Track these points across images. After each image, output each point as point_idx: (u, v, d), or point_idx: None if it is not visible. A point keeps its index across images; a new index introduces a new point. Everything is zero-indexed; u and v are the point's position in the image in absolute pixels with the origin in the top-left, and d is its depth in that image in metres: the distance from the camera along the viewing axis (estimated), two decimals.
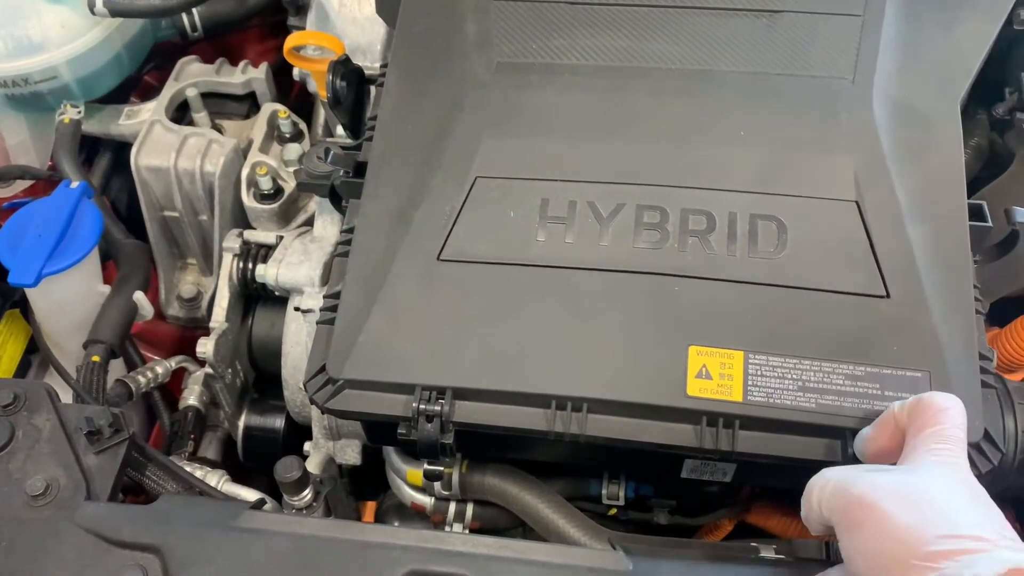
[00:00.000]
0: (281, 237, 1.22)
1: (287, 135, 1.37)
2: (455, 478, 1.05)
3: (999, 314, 1.17)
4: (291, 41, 1.21)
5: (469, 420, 0.89)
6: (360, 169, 1.05)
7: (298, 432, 1.27)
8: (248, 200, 1.28)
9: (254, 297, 1.26)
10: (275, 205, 1.27)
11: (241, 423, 1.30)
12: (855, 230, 0.93)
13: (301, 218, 1.31)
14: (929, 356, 0.88)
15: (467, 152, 0.99)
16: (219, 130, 1.41)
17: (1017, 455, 0.94)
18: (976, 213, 0.96)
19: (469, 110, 1.02)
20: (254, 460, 1.31)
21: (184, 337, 1.44)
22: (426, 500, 1.10)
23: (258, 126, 1.37)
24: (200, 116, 1.40)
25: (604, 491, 1.10)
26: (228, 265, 1.21)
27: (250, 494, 1.07)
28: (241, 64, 1.47)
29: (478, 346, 0.90)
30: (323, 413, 1.05)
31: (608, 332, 0.90)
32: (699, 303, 0.91)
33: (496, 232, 0.95)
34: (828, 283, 0.91)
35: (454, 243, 0.95)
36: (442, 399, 0.88)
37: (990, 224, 0.95)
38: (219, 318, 1.20)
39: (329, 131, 1.45)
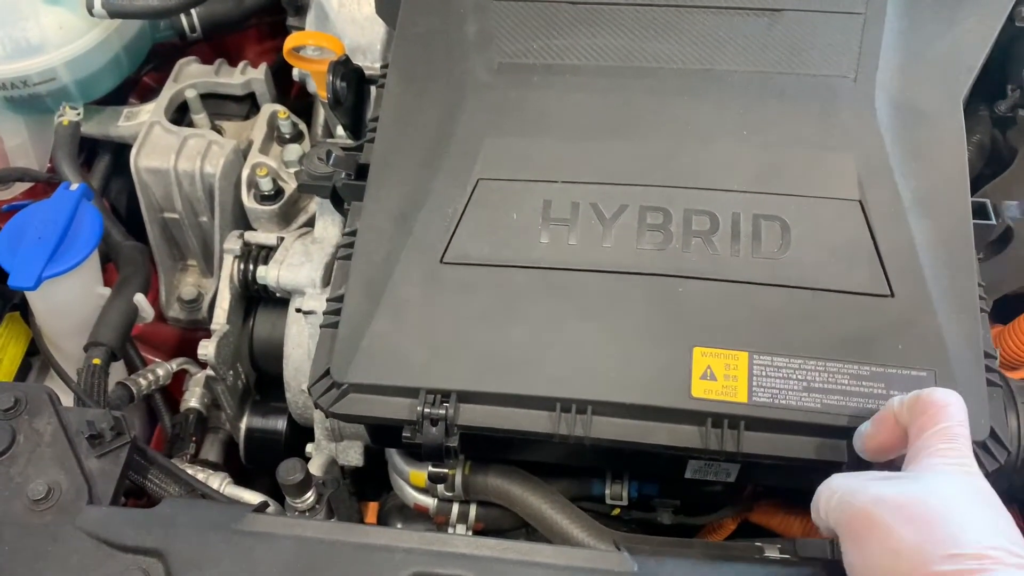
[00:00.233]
0: (282, 238, 1.22)
1: (287, 136, 1.37)
2: (458, 479, 1.04)
3: (1001, 311, 1.17)
4: (290, 41, 1.20)
5: (474, 423, 0.89)
6: (362, 171, 1.04)
7: (300, 434, 1.27)
8: (248, 201, 1.27)
9: (255, 299, 1.26)
10: (275, 206, 1.26)
11: (243, 425, 1.29)
12: (859, 229, 0.93)
13: (302, 219, 1.30)
14: (934, 355, 0.87)
15: (469, 153, 0.99)
16: (219, 131, 1.40)
17: (1021, 454, 0.94)
18: (979, 211, 0.96)
19: (470, 111, 1.01)
20: (256, 462, 1.31)
21: (185, 339, 1.44)
22: (429, 501, 1.10)
23: (258, 127, 1.36)
24: (199, 117, 1.40)
25: (607, 491, 1.10)
26: (229, 267, 1.21)
27: (253, 497, 1.07)
28: (240, 65, 1.46)
29: (482, 349, 0.90)
30: (328, 417, 1.04)
31: (612, 334, 0.90)
32: (703, 304, 0.90)
33: (499, 234, 0.95)
34: (832, 283, 0.91)
35: (457, 245, 0.94)
36: (446, 402, 0.88)
37: (994, 222, 0.95)
38: (220, 320, 1.20)
39: (329, 132, 1.45)
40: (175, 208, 1.34)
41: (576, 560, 0.81)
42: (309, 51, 1.25)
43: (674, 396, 0.87)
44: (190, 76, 1.44)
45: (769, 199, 0.95)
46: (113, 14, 1.28)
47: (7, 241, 1.12)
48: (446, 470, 1.02)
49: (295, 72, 1.42)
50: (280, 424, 1.29)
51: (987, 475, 0.85)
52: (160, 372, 1.22)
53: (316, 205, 1.24)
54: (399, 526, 1.20)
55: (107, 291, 1.19)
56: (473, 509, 1.09)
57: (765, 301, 0.90)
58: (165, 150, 1.31)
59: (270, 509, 1.03)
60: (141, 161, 1.31)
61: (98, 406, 1.06)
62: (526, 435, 0.89)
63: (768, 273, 0.91)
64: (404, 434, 0.89)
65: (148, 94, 1.52)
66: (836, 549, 0.97)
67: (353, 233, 0.99)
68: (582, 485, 1.11)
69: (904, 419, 0.77)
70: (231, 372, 1.22)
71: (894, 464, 0.79)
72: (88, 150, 1.47)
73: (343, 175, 1.05)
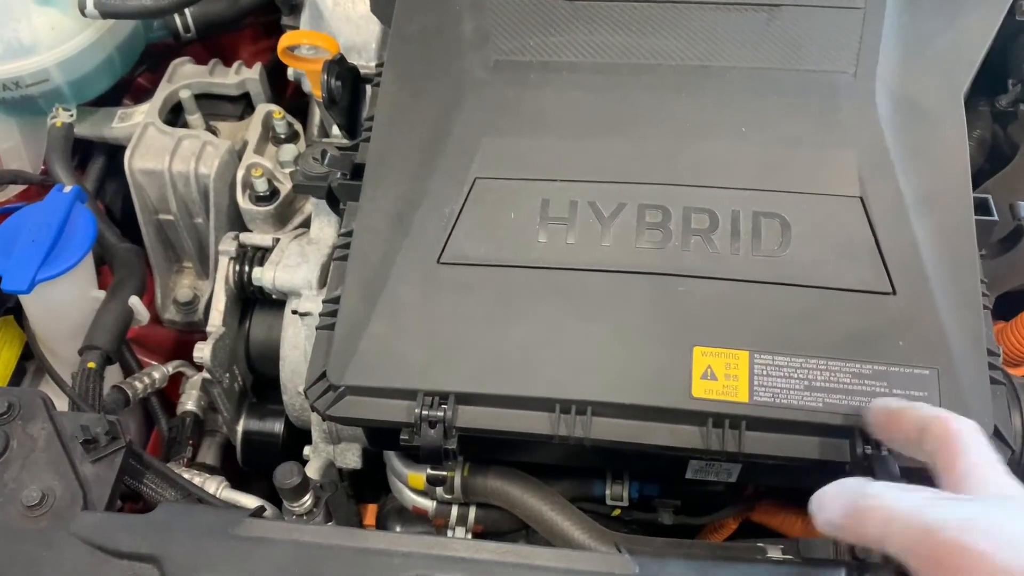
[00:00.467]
0: (277, 239, 1.20)
1: (282, 136, 1.36)
2: (457, 481, 1.04)
3: (1003, 308, 1.16)
4: (284, 41, 1.19)
5: (472, 425, 0.88)
6: (357, 171, 1.03)
7: (297, 436, 1.26)
8: (243, 202, 1.26)
9: (251, 300, 1.25)
10: (271, 207, 1.25)
11: (240, 428, 1.28)
12: (859, 226, 0.92)
13: (297, 220, 1.30)
14: (937, 353, 0.87)
15: (466, 152, 0.98)
16: (213, 132, 1.39)
17: None
18: (981, 207, 0.95)
19: (467, 110, 1.00)
20: (253, 465, 1.30)
21: (181, 341, 1.43)
22: (428, 504, 1.09)
23: (253, 127, 1.35)
24: (194, 118, 1.39)
25: (608, 492, 1.09)
26: (224, 268, 1.20)
27: (250, 500, 1.06)
28: (235, 65, 1.45)
29: (480, 350, 0.89)
30: (324, 420, 1.03)
31: (611, 334, 0.89)
32: (703, 303, 0.90)
33: (497, 234, 0.94)
34: (833, 280, 0.90)
35: (454, 245, 0.93)
36: (445, 404, 0.87)
37: (996, 218, 0.94)
38: (216, 322, 1.19)
39: (325, 131, 1.44)
40: (170, 210, 1.33)
41: (577, 563, 0.80)
42: (304, 50, 1.24)
43: (674, 396, 0.86)
44: (184, 76, 1.43)
45: (769, 196, 0.94)
46: (106, 14, 1.27)
47: (0, 244, 1.10)
48: (445, 472, 1.01)
49: (290, 72, 1.41)
50: (277, 427, 1.28)
51: None
52: (156, 375, 1.21)
53: (312, 206, 1.22)
54: (398, 529, 1.19)
55: (102, 294, 1.18)
56: (472, 511, 1.08)
57: (766, 299, 0.90)
58: (159, 151, 1.30)
59: (267, 513, 1.02)
60: (135, 163, 1.30)
61: (93, 410, 1.05)
62: (525, 437, 0.88)
63: (768, 271, 0.90)
64: (402, 436, 0.88)
65: (142, 95, 1.51)
66: (839, 550, 0.97)
67: (349, 234, 0.98)
68: (582, 486, 1.10)
69: (929, 444, 0.75)
70: (227, 375, 1.21)
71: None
72: (82, 152, 1.46)
73: (338, 175, 1.04)
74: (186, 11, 1.41)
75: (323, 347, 0.92)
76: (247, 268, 1.20)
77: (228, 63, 1.48)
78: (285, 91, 1.56)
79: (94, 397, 1.07)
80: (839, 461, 0.85)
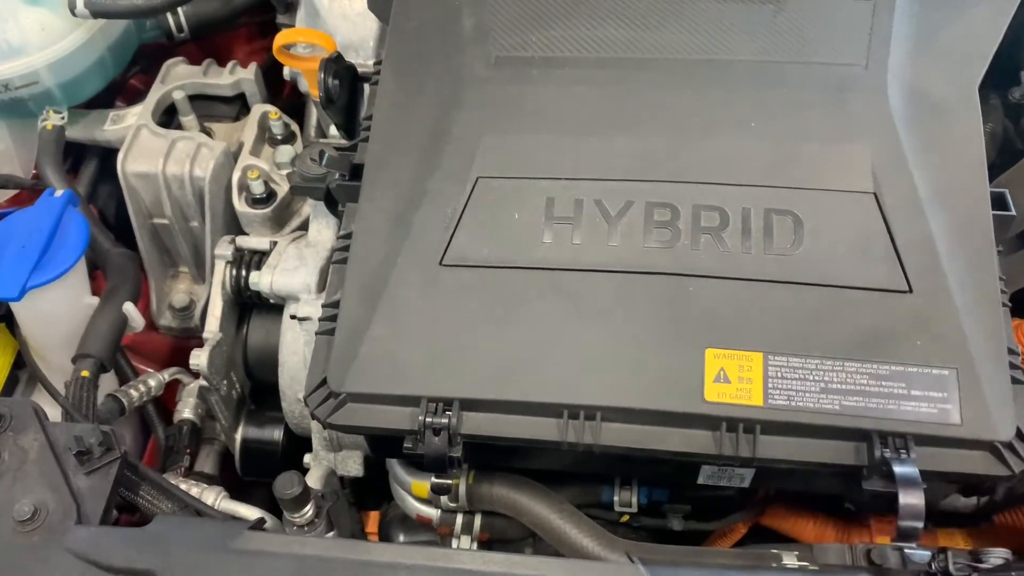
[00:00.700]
0: (275, 243, 1.18)
1: (279, 137, 1.33)
2: (462, 489, 1.01)
3: (1019, 305, 1.13)
4: (280, 39, 1.17)
5: (478, 432, 0.85)
6: (356, 171, 1.01)
7: (298, 444, 1.23)
8: (240, 205, 1.24)
9: (248, 305, 1.23)
10: (268, 209, 1.23)
11: (238, 436, 1.26)
12: (874, 223, 0.89)
13: (295, 222, 1.27)
14: (956, 352, 0.84)
15: (467, 151, 0.95)
16: (208, 133, 1.37)
17: None
18: (998, 202, 0.93)
19: (468, 107, 0.98)
20: (253, 474, 1.27)
21: (178, 348, 1.40)
22: (432, 512, 1.07)
23: (248, 128, 1.33)
24: (188, 119, 1.36)
25: (616, 498, 1.07)
26: (220, 273, 1.18)
27: (249, 511, 1.03)
28: (229, 65, 1.43)
29: (485, 354, 0.86)
30: (325, 429, 1.01)
31: (621, 336, 0.86)
32: (714, 304, 0.87)
33: (500, 234, 0.91)
34: (847, 279, 0.88)
35: (457, 247, 0.91)
36: (449, 411, 0.84)
37: (1014, 213, 0.92)
38: (212, 328, 1.16)
39: (322, 132, 1.41)
40: (164, 213, 1.31)
41: (588, 574, 0.78)
42: (300, 49, 1.22)
43: (686, 400, 0.84)
44: (177, 77, 1.40)
45: (780, 193, 0.91)
46: (96, 14, 1.24)
47: None
48: (449, 481, 0.99)
49: (286, 71, 1.38)
50: (276, 434, 1.25)
51: (1013, 476, 0.82)
52: (152, 383, 1.18)
53: (310, 208, 1.20)
54: (402, 538, 1.17)
55: (95, 300, 1.15)
56: (478, 519, 1.06)
57: (778, 299, 0.87)
58: (153, 154, 1.28)
59: (267, 525, 1.00)
60: (128, 166, 1.27)
61: (87, 420, 1.02)
62: (532, 443, 0.86)
63: (781, 270, 0.88)
64: (405, 444, 0.86)
65: (135, 96, 1.49)
66: (855, 556, 0.94)
67: (348, 236, 0.96)
68: (590, 492, 1.07)
69: None
70: (225, 382, 1.18)
71: None
72: (75, 155, 1.44)
73: (337, 176, 1.01)
74: (179, 10, 1.39)
75: (323, 353, 0.90)
76: (244, 272, 1.18)
77: (223, 63, 1.45)
78: (282, 91, 1.54)
79: (88, 407, 1.05)
80: (857, 465, 0.83)
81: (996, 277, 0.89)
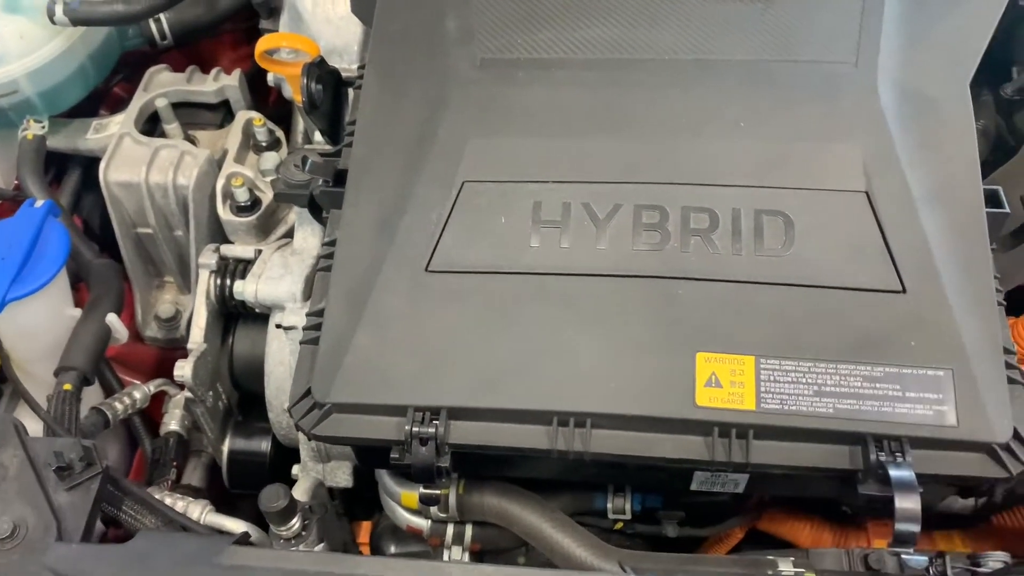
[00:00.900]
0: (260, 251, 1.16)
1: (263, 144, 1.31)
2: (452, 499, 0.99)
3: (1014, 302, 1.12)
4: (262, 44, 1.15)
5: (466, 441, 0.84)
6: (340, 177, 0.99)
7: (286, 455, 1.21)
8: (224, 213, 1.22)
9: (234, 315, 1.21)
10: (252, 217, 1.21)
11: (225, 448, 1.24)
12: (866, 222, 0.88)
13: (281, 230, 1.25)
14: (951, 352, 0.83)
15: (453, 155, 0.94)
16: (192, 141, 1.35)
17: None
18: (992, 199, 0.91)
19: (453, 110, 0.96)
20: (240, 485, 1.25)
21: (164, 358, 1.38)
22: (422, 523, 1.05)
23: (232, 135, 1.31)
24: (171, 127, 1.34)
25: (610, 505, 1.05)
26: (205, 282, 1.16)
27: (235, 525, 1.01)
28: (213, 71, 1.41)
29: (472, 361, 0.85)
30: (310, 440, 0.99)
31: (610, 341, 0.85)
32: (705, 306, 0.86)
33: (487, 239, 0.90)
34: (840, 280, 0.86)
35: (443, 252, 0.89)
36: (436, 420, 0.83)
37: (1008, 211, 0.90)
38: (197, 339, 1.14)
39: (308, 138, 1.40)
40: (148, 223, 1.29)
41: None
42: (283, 54, 1.20)
43: (678, 406, 0.82)
44: (160, 85, 1.38)
45: (770, 193, 0.90)
46: (76, 21, 1.22)
47: None
48: (438, 492, 0.97)
49: (270, 77, 1.37)
50: (264, 445, 1.24)
51: (1011, 478, 0.81)
52: (137, 395, 1.16)
53: (295, 215, 1.18)
54: (393, 549, 1.15)
55: (78, 312, 1.13)
56: (469, 530, 1.04)
57: (770, 301, 0.86)
58: (135, 162, 1.26)
59: (254, 538, 0.98)
60: (111, 175, 1.26)
61: (69, 434, 1.00)
62: (522, 452, 0.84)
63: (772, 271, 0.87)
64: (392, 455, 0.84)
65: (119, 104, 1.47)
66: (852, 561, 0.93)
67: (332, 243, 0.94)
68: (583, 500, 1.06)
69: None
70: (211, 393, 1.17)
71: None
72: (58, 165, 1.42)
73: (320, 182, 0.99)
74: (162, 18, 1.37)
75: (307, 363, 0.88)
76: (228, 282, 1.16)
77: (208, 70, 1.43)
78: (268, 97, 1.52)
79: (70, 420, 1.03)
80: (852, 469, 0.81)
81: (991, 275, 0.87)
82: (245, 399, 1.27)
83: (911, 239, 0.87)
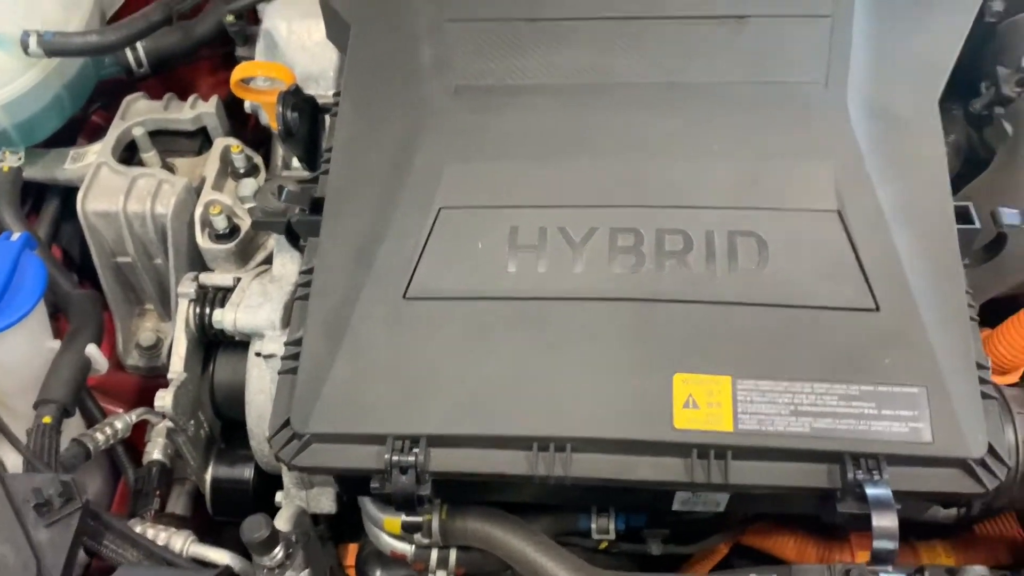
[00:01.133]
0: (239, 279, 1.16)
1: (242, 170, 1.31)
2: (435, 525, 0.99)
3: (988, 314, 1.13)
4: (237, 73, 1.15)
5: (446, 468, 0.84)
6: (317, 205, 0.99)
7: (269, 482, 1.21)
8: (203, 241, 1.22)
9: (215, 343, 1.20)
10: (231, 245, 1.21)
11: (208, 476, 1.23)
12: (839, 241, 0.89)
13: (261, 256, 1.25)
14: (925, 369, 0.84)
15: (429, 182, 0.94)
16: (171, 169, 1.35)
17: (1020, 467, 0.90)
18: (963, 216, 0.92)
19: (429, 137, 0.97)
20: (224, 513, 1.24)
21: (146, 387, 1.38)
22: (407, 548, 1.04)
23: (211, 163, 1.31)
24: (149, 156, 1.34)
25: (593, 525, 1.05)
26: (184, 311, 1.15)
27: (219, 555, 1.01)
28: (190, 99, 1.41)
29: (451, 388, 0.85)
30: (290, 471, 0.99)
31: (588, 365, 0.85)
32: (681, 328, 0.86)
33: (464, 265, 0.90)
34: (814, 299, 0.87)
35: (420, 279, 0.90)
36: (416, 448, 0.83)
37: (978, 226, 0.91)
38: (177, 368, 1.14)
39: (288, 164, 1.39)
40: (127, 252, 1.29)
41: None
42: (259, 82, 1.21)
43: (656, 428, 0.82)
44: (137, 113, 1.38)
45: (743, 214, 0.91)
46: (51, 52, 1.22)
47: None
48: (420, 519, 0.97)
49: (247, 104, 1.37)
50: (247, 473, 1.23)
51: (987, 494, 0.82)
52: (119, 425, 1.15)
53: (274, 241, 1.18)
54: (378, 573, 1.15)
55: (57, 344, 1.13)
56: (453, 554, 1.04)
57: (745, 321, 0.86)
58: (113, 192, 1.26)
59: (239, 568, 0.98)
60: (88, 205, 1.25)
61: (49, 468, 1.00)
62: (503, 478, 0.85)
63: (746, 292, 0.87)
64: (373, 484, 0.85)
65: (97, 133, 1.46)
66: (834, 574, 0.93)
67: (310, 271, 0.94)
68: (567, 521, 1.06)
69: None
70: (192, 422, 1.16)
71: None
72: (35, 195, 1.41)
73: (297, 210, 1.00)
74: (138, 46, 1.37)
75: (286, 393, 0.88)
76: (208, 310, 1.16)
77: (186, 97, 1.43)
78: (247, 123, 1.52)
79: (50, 454, 1.02)
80: (830, 488, 0.82)
81: (963, 291, 0.88)
82: (227, 427, 1.26)
83: (884, 257, 0.88)
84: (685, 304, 0.87)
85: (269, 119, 1.23)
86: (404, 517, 0.98)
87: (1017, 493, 0.93)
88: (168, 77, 1.53)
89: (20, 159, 1.30)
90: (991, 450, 0.82)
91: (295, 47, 1.29)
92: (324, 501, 1.13)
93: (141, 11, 1.32)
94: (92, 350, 1.12)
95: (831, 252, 0.88)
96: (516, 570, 1.01)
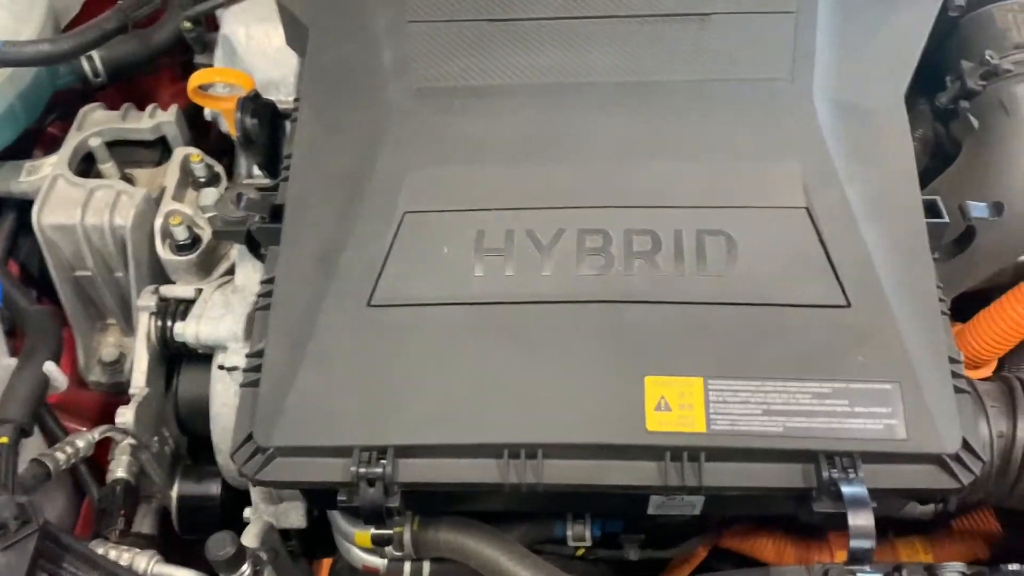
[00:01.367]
0: (200, 290, 1.13)
1: (202, 179, 1.28)
2: (407, 537, 0.97)
3: (959, 309, 1.13)
4: (194, 80, 1.13)
5: (415, 479, 0.82)
6: (277, 213, 0.97)
7: (238, 497, 1.18)
8: (164, 252, 1.19)
9: (178, 357, 1.17)
10: (193, 256, 1.18)
11: (174, 493, 1.20)
12: (808, 238, 0.88)
13: (223, 267, 1.22)
14: (897, 365, 0.83)
15: (392, 186, 0.92)
16: (130, 180, 1.32)
17: (994, 461, 0.90)
18: (931, 210, 0.92)
19: (391, 141, 0.95)
20: (192, 531, 1.21)
21: (110, 404, 1.33)
22: (379, 562, 1.02)
23: (170, 172, 1.28)
24: (107, 167, 1.31)
25: (569, 532, 1.04)
26: (145, 325, 1.13)
27: (184, 575, 0.98)
28: (149, 108, 1.38)
29: (419, 397, 0.83)
30: (254, 486, 0.97)
31: (558, 369, 0.84)
32: (651, 329, 0.85)
33: (430, 270, 0.88)
34: (784, 297, 0.86)
35: (385, 286, 0.88)
36: (384, 459, 0.81)
37: (947, 220, 0.91)
38: (139, 383, 1.11)
39: (250, 172, 1.37)
40: (86, 265, 1.25)
41: None
42: (218, 88, 1.18)
43: (628, 432, 0.81)
44: (95, 123, 1.35)
45: (711, 213, 0.90)
46: (2, 62, 1.19)
47: None
48: (390, 532, 0.95)
49: (207, 112, 1.34)
50: (214, 489, 1.20)
51: (963, 489, 0.81)
52: (80, 443, 1.12)
53: (236, 251, 1.16)
54: None
55: (13, 362, 1.10)
56: (427, 566, 1.02)
57: (715, 321, 0.85)
58: (70, 205, 1.22)
59: None
60: (44, 218, 1.22)
61: (7, 489, 0.97)
62: (474, 487, 0.83)
63: (716, 291, 0.86)
64: (340, 498, 0.82)
65: (54, 145, 1.42)
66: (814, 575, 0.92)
67: (271, 281, 0.92)
68: (541, 529, 1.04)
69: None
70: (156, 438, 1.13)
71: None
72: None
73: (257, 218, 0.97)
74: (94, 55, 1.34)
75: (248, 406, 0.86)
76: (169, 323, 1.13)
77: (145, 106, 1.40)
78: (208, 132, 1.49)
79: (7, 475, 0.99)
80: (805, 488, 0.81)
81: (934, 285, 0.88)
82: (193, 442, 1.23)
83: (853, 253, 0.87)
84: (655, 305, 0.86)
85: (229, 126, 1.21)
86: (373, 531, 0.96)
87: (993, 488, 0.92)
88: (127, 87, 1.50)
89: None
90: (965, 445, 0.81)
91: (254, 52, 1.26)
92: (294, 516, 1.10)
93: (95, 19, 1.29)
94: (50, 367, 1.09)
95: (800, 249, 0.88)
96: None
